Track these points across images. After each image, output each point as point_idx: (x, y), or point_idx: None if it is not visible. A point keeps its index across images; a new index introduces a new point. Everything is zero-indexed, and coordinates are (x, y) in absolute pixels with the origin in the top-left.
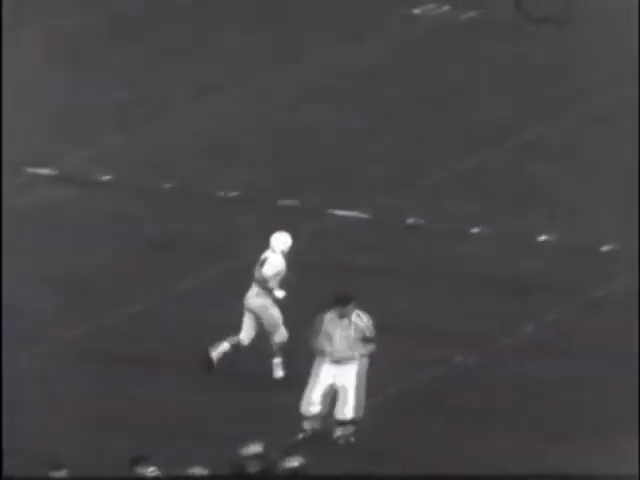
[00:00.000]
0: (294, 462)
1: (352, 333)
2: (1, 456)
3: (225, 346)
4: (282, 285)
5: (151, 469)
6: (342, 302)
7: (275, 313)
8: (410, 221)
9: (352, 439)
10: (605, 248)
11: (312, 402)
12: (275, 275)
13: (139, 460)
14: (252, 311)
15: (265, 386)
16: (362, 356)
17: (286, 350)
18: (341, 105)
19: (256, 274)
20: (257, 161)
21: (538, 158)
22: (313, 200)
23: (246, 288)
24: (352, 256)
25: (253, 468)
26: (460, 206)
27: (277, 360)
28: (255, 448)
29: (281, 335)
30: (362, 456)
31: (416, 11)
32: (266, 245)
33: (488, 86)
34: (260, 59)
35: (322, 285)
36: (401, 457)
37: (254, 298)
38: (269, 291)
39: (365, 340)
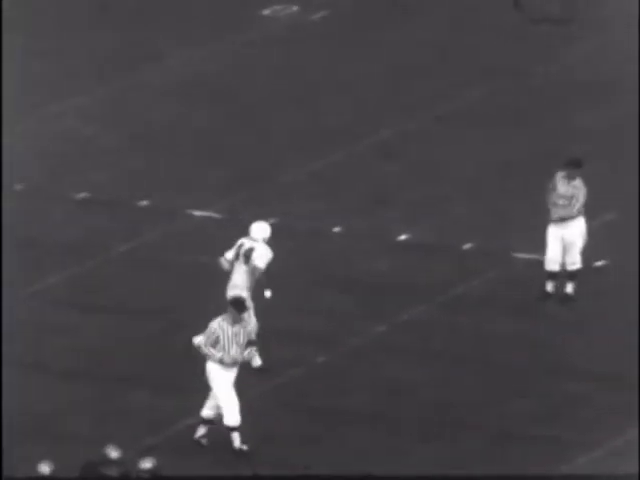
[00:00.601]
0: (147, 464)
1: (242, 338)
2: (1, 456)
3: None
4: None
5: None
6: (238, 307)
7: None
8: (268, 221)
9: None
10: (465, 247)
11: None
12: (267, 265)
13: None
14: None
15: (139, 388)
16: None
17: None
18: (196, 106)
19: (245, 267)
20: (113, 162)
21: (398, 158)
22: (169, 200)
23: (104, 287)
24: (208, 256)
25: (109, 471)
26: (319, 206)
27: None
28: (113, 451)
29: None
30: (224, 456)
31: (265, 12)
32: (126, 246)
33: (343, 86)
34: (114, 60)
35: (179, 285)
36: (262, 457)
37: (232, 289)
38: (262, 284)
39: (250, 344)
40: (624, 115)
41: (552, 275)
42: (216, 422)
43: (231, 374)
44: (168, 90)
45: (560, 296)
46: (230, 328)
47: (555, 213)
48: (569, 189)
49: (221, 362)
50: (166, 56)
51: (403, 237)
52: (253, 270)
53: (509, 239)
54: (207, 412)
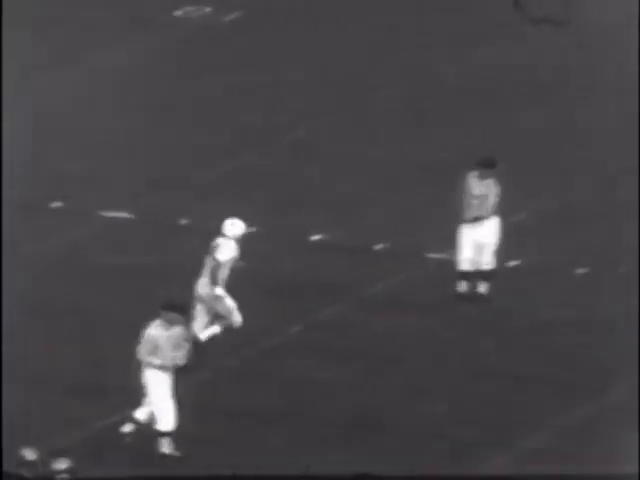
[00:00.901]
0: (62, 464)
1: (179, 340)
2: (1, 456)
3: (215, 328)
4: (232, 272)
5: None
6: (178, 309)
7: (227, 300)
8: (181, 221)
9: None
10: (377, 247)
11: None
12: (228, 261)
13: None
14: (203, 300)
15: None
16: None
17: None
18: (110, 106)
19: (209, 261)
20: (24, 163)
21: (310, 158)
22: (80, 201)
23: (17, 289)
24: (120, 256)
25: (25, 472)
26: (233, 206)
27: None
28: (28, 452)
29: (236, 320)
30: (142, 459)
31: (177, 13)
32: (37, 249)
33: (256, 87)
34: (26, 62)
35: (91, 287)
36: (176, 459)
37: (203, 287)
38: (216, 280)
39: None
40: (556, 117)
41: (465, 275)
42: (143, 424)
43: (169, 378)
44: (82, 90)
45: (473, 296)
46: (165, 332)
47: (468, 213)
48: (482, 189)
49: (162, 368)
50: (80, 57)
51: (316, 237)
52: (217, 264)
53: (422, 239)
54: (140, 414)
